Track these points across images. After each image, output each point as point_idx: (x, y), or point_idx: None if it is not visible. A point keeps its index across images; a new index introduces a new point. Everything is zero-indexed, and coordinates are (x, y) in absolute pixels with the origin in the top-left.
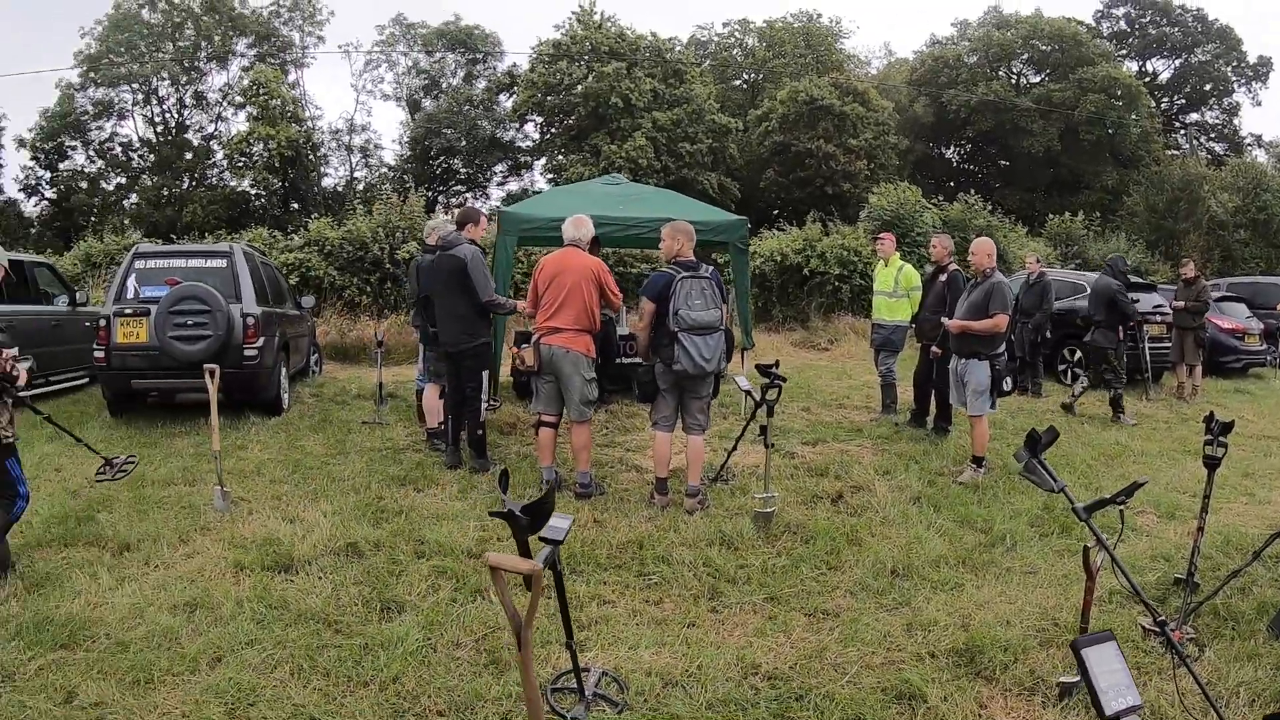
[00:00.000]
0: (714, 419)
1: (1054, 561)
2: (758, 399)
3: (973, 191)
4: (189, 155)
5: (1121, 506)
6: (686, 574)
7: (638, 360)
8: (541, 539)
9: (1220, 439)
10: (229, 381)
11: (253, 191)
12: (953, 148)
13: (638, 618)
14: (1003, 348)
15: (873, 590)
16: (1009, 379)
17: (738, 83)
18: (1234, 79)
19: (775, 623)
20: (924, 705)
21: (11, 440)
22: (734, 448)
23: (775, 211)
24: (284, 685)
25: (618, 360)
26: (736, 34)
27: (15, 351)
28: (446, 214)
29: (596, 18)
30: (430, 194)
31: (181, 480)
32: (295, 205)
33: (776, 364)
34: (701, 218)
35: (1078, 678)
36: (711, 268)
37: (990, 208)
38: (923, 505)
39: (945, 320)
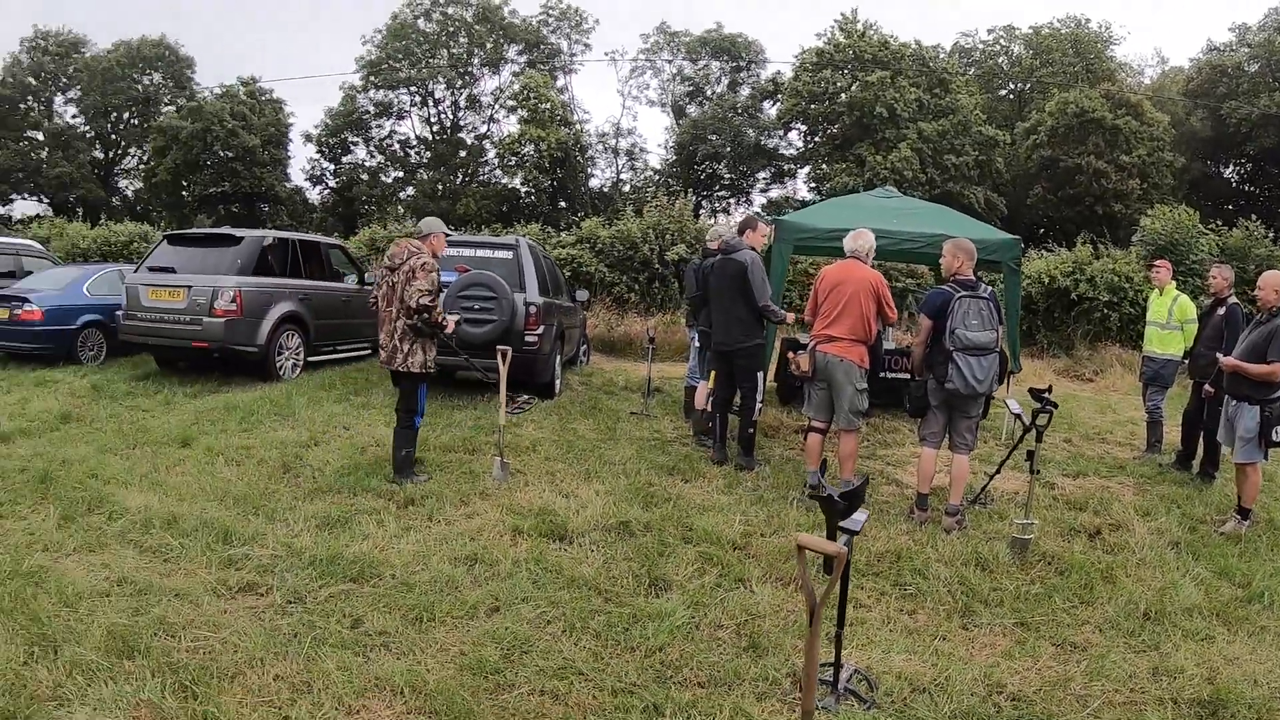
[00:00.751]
0: (977, 442)
1: None
2: (1027, 423)
3: (1254, 217)
4: (463, 153)
5: None
6: (941, 589)
7: (902, 375)
8: (841, 528)
9: None
10: (510, 364)
11: (523, 189)
12: (1232, 166)
13: (891, 624)
14: (1277, 393)
15: (1123, 630)
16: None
17: (1004, 92)
18: None
19: (1024, 647)
20: None
21: (431, 372)
22: (997, 471)
23: (1041, 230)
24: (556, 640)
25: (882, 374)
26: (1002, 41)
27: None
28: (721, 219)
29: (859, 25)
30: (695, 198)
31: (461, 449)
32: (563, 204)
33: (1049, 389)
34: (976, 235)
35: None
36: (990, 289)
37: (1273, 236)
38: (1181, 551)
39: (1221, 357)
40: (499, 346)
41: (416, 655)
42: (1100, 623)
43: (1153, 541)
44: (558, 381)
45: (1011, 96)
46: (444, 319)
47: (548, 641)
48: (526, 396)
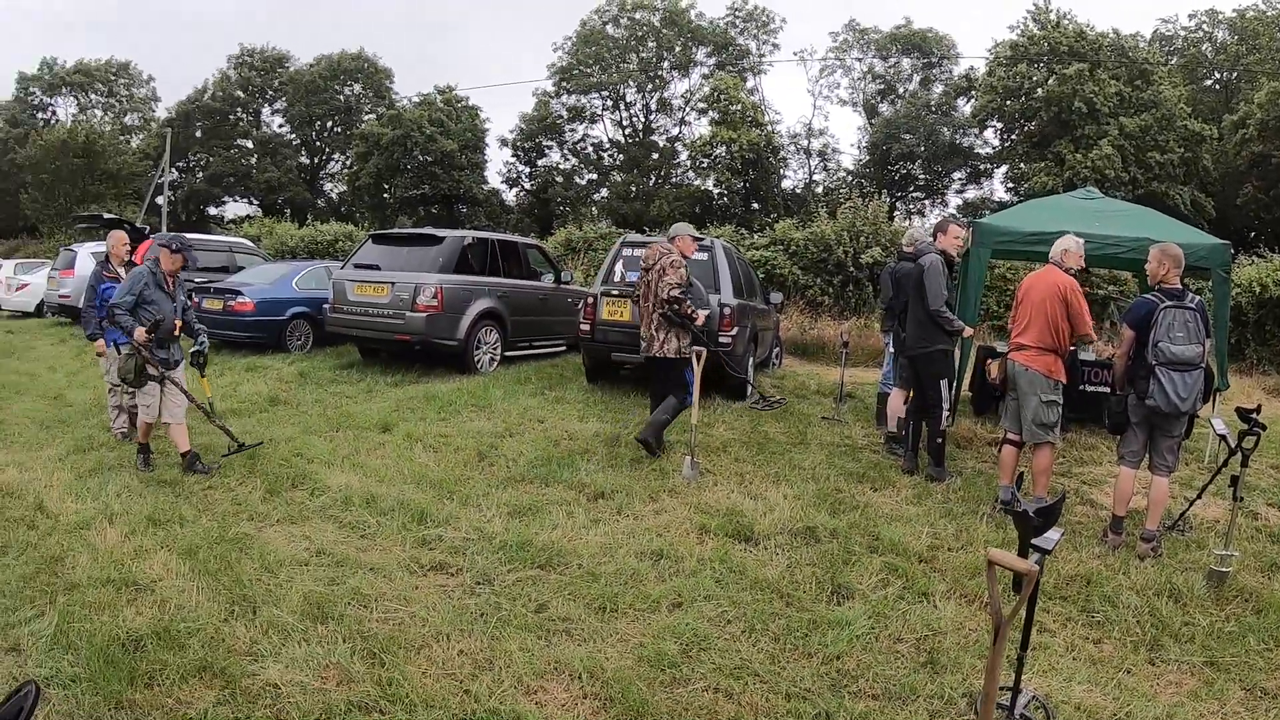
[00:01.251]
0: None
1: None
2: (1233, 446)
3: None
4: (654, 155)
5: None
6: (1130, 619)
7: (1103, 388)
8: (1033, 546)
9: None
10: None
11: (715, 190)
12: None
13: (1075, 652)
14: None
15: None
16: None
17: (1209, 83)
18: None
19: (1211, 689)
20: None
21: (687, 356)
22: (1198, 496)
23: (1253, 234)
24: (735, 640)
25: (1081, 387)
26: (1205, 27)
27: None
28: (916, 221)
29: (1053, 15)
30: (890, 199)
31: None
32: (755, 205)
33: (1258, 409)
34: (1182, 239)
35: None
36: (1198, 299)
37: None
38: None
39: None
40: (694, 347)
41: (597, 643)
42: None
43: None
44: (750, 384)
45: (1217, 87)
46: (694, 311)
47: (726, 640)
48: (779, 398)
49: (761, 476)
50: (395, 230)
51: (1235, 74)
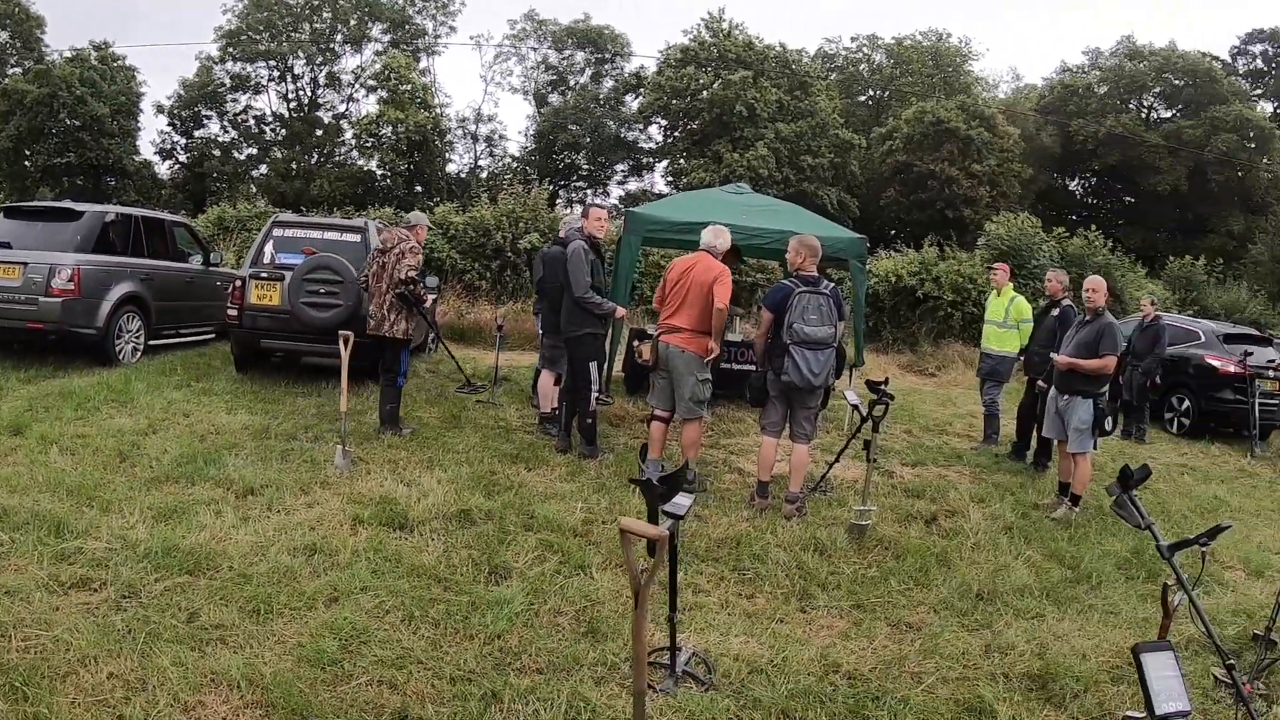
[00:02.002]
0: (819, 431)
1: (1136, 605)
2: (864, 414)
3: (1094, 227)
4: (319, 132)
5: (1204, 549)
6: (780, 574)
7: (748, 366)
8: (665, 512)
9: None
10: (354, 349)
11: (379, 172)
12: (1077, 180)
13: (730, 608)
14: (1105, 388)
15: (956, 610)
16: (1110, 419)
17: (863, 99)
18: None
19: (860, 628)
20: None
21: (411, 337)
22: (836, 459)
23: (893, 232)
24: (394, 629)
25: (725, 365)
26: (865, 49)
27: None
28: (577, 209)
29: (726, 25)
30: (553, 187)
31: (304, 436)
32: (419, 188)
33: (886, 381)
34: (823, 233)
35: (1145, 714)
36: (832, 284)
37: (1110, 245)
38: (1014, 536)
39: (1055, 355)
40: (341, 331)
41: (254, 648)
42: (935, 604)
43: (987, 527)
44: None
45: (870, 103)
46: (425, 293)
47: (386, 631)
48: (483, 383)
49: (416, 462)
50: (30, 204)
51: (887, 92)
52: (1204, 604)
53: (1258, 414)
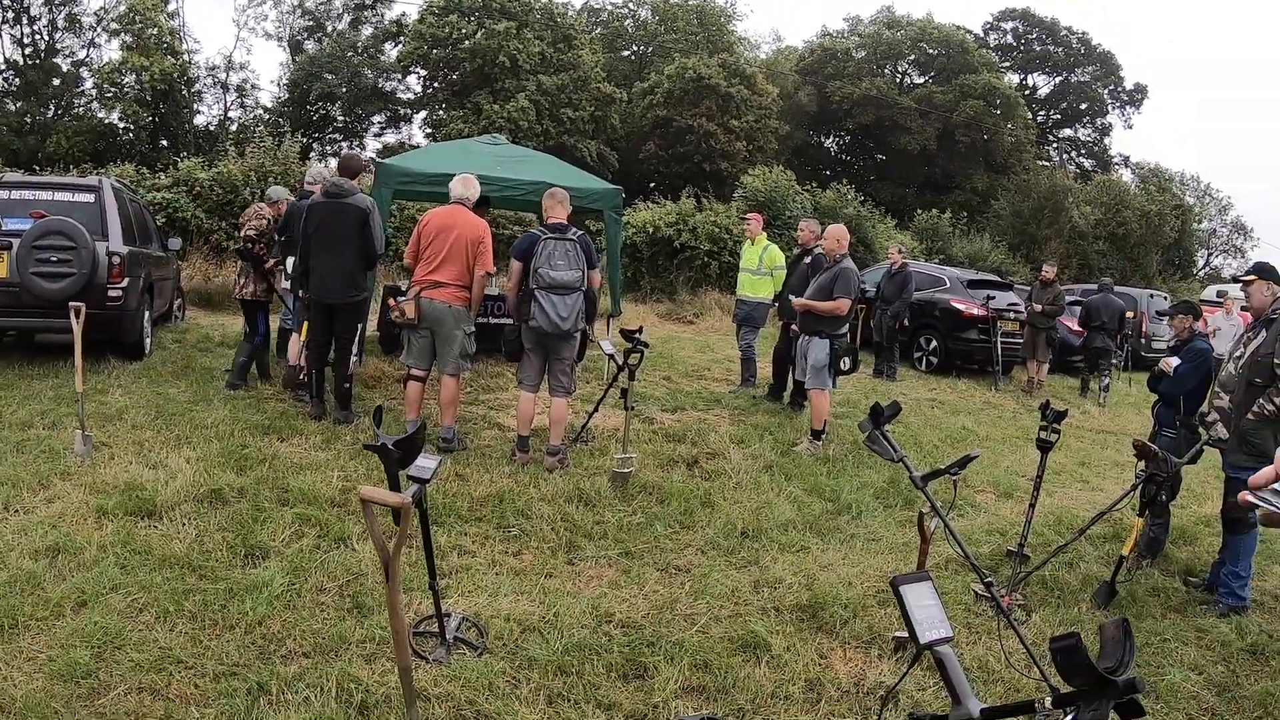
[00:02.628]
0: (579, 384)
1: (895, 531)
2: (620, 363)
3: (846, 181)
4: (57, 81)
5: (955, 477)
6: (545, 528)
7: (505, 320)
8: (410, 477)
9: (1054, 425)
10: (91, 322)
11: (121, 125)
12: (832, 138)
13: (497, 568)
14: (844, 329)
15: (723, 549)
16: (847, 359)
17: (626, 54)
18: (1109, 101)
19: (629, 576)
20: (768, 654)
21: (265, 299)
22: (595, 409)
23: (652, 184)
24: (150, 629)
25: (484, 319)
26: (630, 5)
27: None
28: (322, 162)
29: None
30: (306, 140)
31: (40, 424)
32: (165, 142)
33: (640, 330)
34: (578, 184)
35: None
36: (581, 232)
37: (862, 199)
38: (774, 474)
39: (793, 298)
40: (73, 303)
41: (2, 670)
42: (702, 545)
43: (748, 466)
44: (148, 340)
45: (633, 58)
46: (266, 254)
47: (141, 632)
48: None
49: (162, 442)
50: None
51: (651, 48)
52: (959, 526)
53: (1000, 351)
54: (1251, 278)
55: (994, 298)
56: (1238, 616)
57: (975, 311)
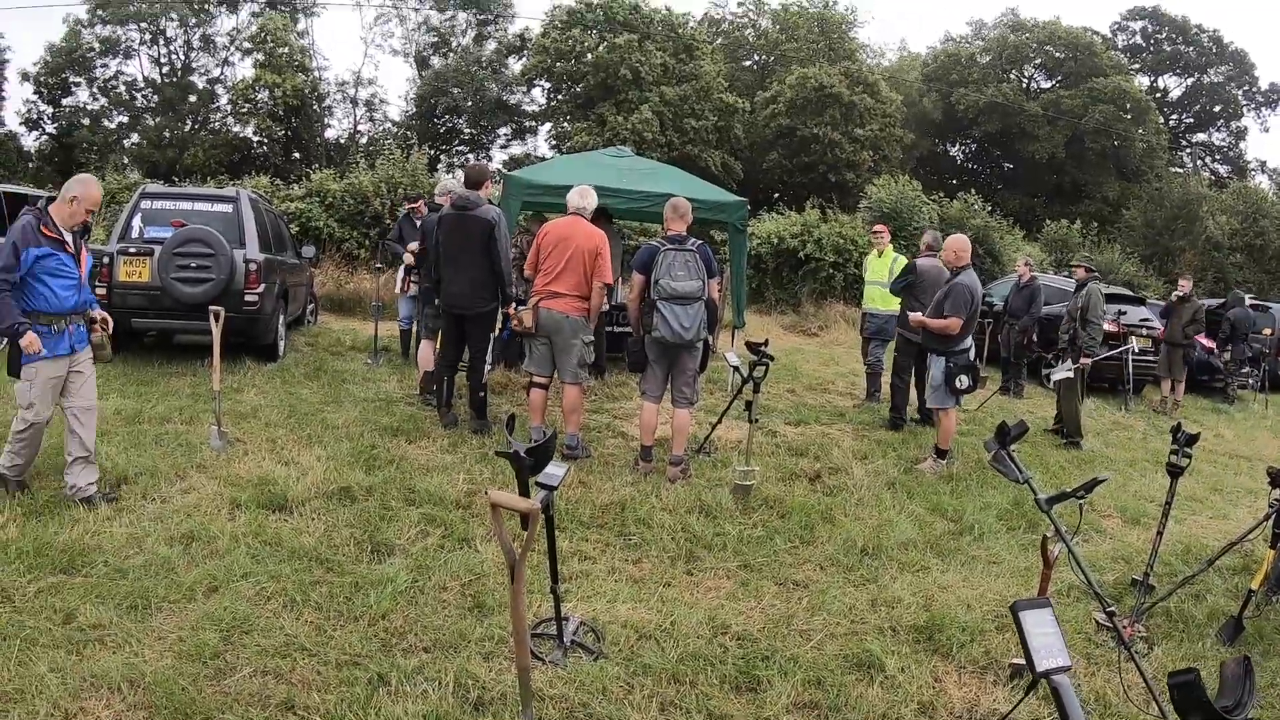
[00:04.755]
0: (703, 395)
1: (1018, 554)
2: (745, 375)
3: (973, 191)
4: (193, 98)
5: (1082, 501)
6: (665, 537)
7: (629, 330)
8: (538, 484)
9: (1185, 449)
10: (229, 325)
11: (255, 138)
12: (958, 146)
13: (616, 574)
14: (963, 345)
15: (842, 566)
16: (964, 377)
17: (748, 63)
18: (1244, 103)
19: (747, 589)
20: (882, 674)
21: None
22: (719, 421)
23: (776, 195)
24: (277, 616)
25: (609, 329)
26: (751, 14)
27: None
28: (450, 174)
29: None
30: (434, 152)
31: (178, 419)
32: (297, 155)
33: (766, 342)
34: (702, 196)
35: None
36: (700, 241)
37: (989, 208)
38: (897, 491)
39: (910, 314)
40: (212, 307)
41: (134, 646)
42: (821, 561)
43: (870, 483)
44: (282, 343)
45: (755, 67)
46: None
47: (268, 618)
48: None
49: (294, 440)
50: None
51: (772, 57)
52: (1084, 552)
53: (1131, 370)
54: None
55: (1125, 313)
56: None
57: (1106, 328)
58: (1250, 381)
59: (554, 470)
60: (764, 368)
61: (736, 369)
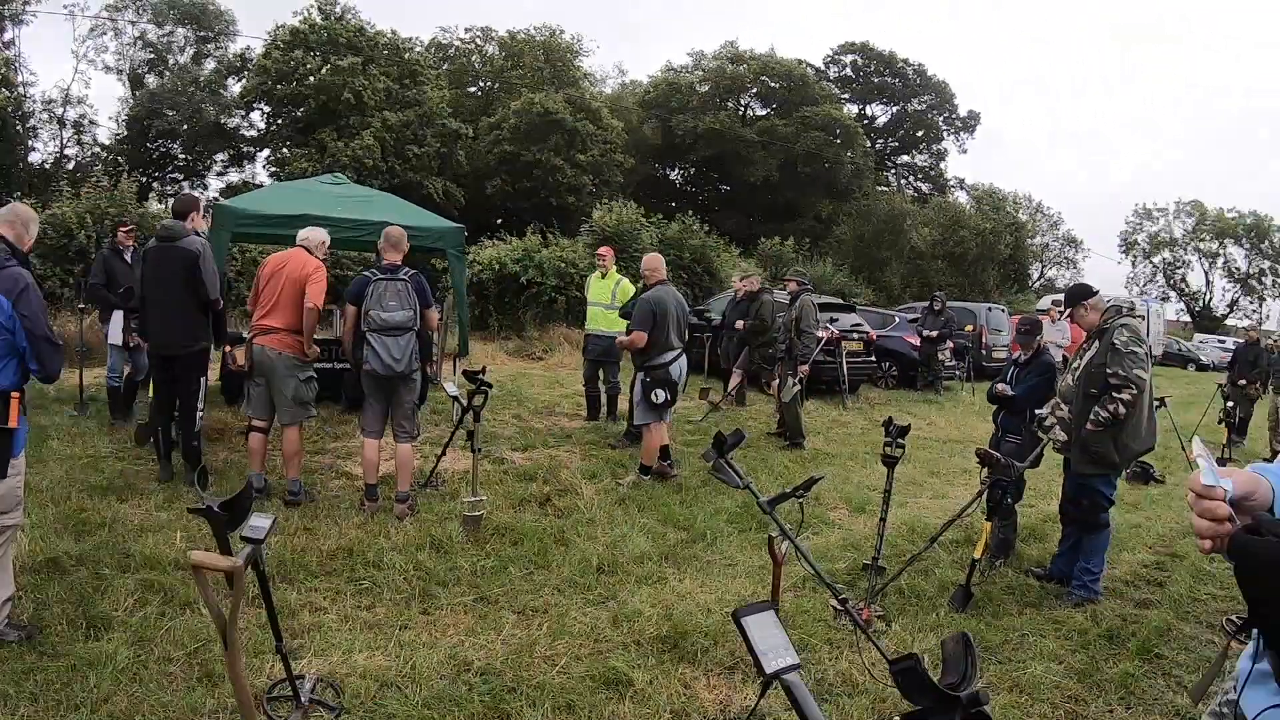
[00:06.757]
0: (426, 426)
1: (752, 554)
2: (465, 404)
3: (691, 212)
4: None
5: (801, 499)
6: (398, 578)
7: (346, 366)
8: (243, 538)
9: (898, 440)
10: None
11: None
12: (677, 170)
13: (350, 623)
14: (659, 359)
15: (580, 586)
16: (659, 390)
17: (473, 90)
18: (944, 128)
19: (486, 621)
20: (631, 689)
21: None
22: (443, 453)
23: (499, 221)
24: None
25: (325, 365)
26: (478, 41)
27: None
28: (162, 203)
29: (338, 8)
30: (145, 179)
31: None
32: None
33: (484, 370)
34: (419, 224)
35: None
36: (413, 271)
37: (707, 229)
38: (628, 506)
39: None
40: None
41: None
42: (558, 584)
43: (601, 501)
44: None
45: (480, 93)
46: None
47: None
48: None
49: None
50: None
51: (498, 84)
52: (815, 544)
53: (846, 371)
54: (1068, 310)
55: (837, 319)
56: (1092, 606)
57: (820, 335)
58: (958, 373)
59: (258, 522)
60: (483, 395)
61: (456, 399)
